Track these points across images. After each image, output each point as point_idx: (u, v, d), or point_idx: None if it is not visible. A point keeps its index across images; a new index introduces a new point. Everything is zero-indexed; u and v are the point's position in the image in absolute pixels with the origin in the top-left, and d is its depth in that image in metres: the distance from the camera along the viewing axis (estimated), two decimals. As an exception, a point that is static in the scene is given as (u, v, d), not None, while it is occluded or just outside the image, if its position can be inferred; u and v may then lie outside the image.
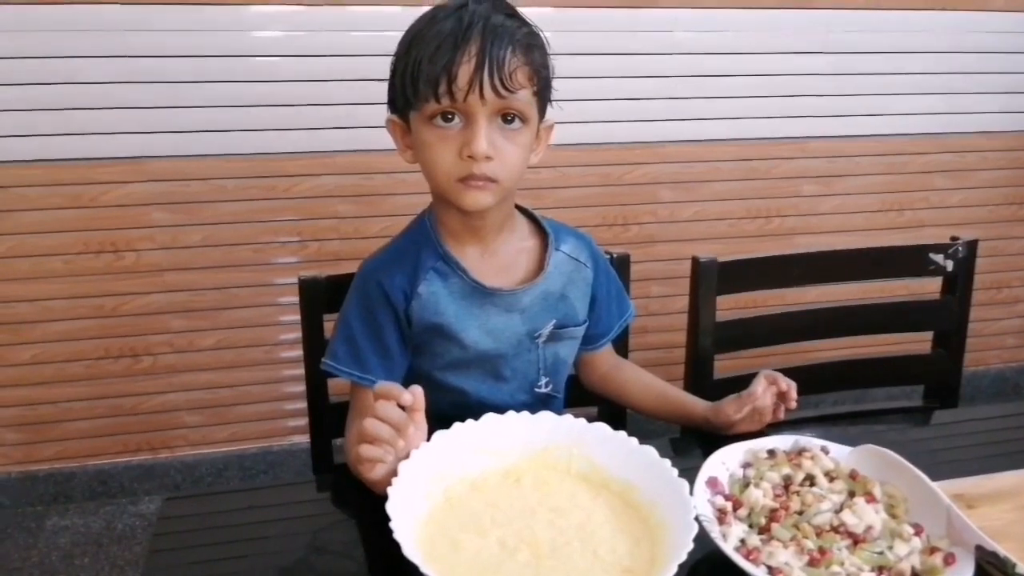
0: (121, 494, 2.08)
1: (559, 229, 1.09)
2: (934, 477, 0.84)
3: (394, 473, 0.79)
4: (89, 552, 1.91)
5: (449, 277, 1.00)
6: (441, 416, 0.90)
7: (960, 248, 1.35)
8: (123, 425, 2.03)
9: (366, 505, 0.84)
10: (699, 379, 1.30)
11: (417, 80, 0.89)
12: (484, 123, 0.90)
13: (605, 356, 1.19)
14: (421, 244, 1.02)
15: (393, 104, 0.97)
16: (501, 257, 1.04)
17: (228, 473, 2.12)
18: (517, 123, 0.92)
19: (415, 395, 0.81)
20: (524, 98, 0.91)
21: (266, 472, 2.14)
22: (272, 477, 2.14)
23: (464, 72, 0.87)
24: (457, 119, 0.90)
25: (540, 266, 1.04)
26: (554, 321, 1.05)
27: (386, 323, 1.01)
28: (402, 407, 0.81)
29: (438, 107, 0.89)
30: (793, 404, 1.05)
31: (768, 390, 1.04)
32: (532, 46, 0.92)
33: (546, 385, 1.07)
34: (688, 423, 1.11)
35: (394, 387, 0.81)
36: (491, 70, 0.87)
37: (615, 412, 1.28)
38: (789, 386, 1.04)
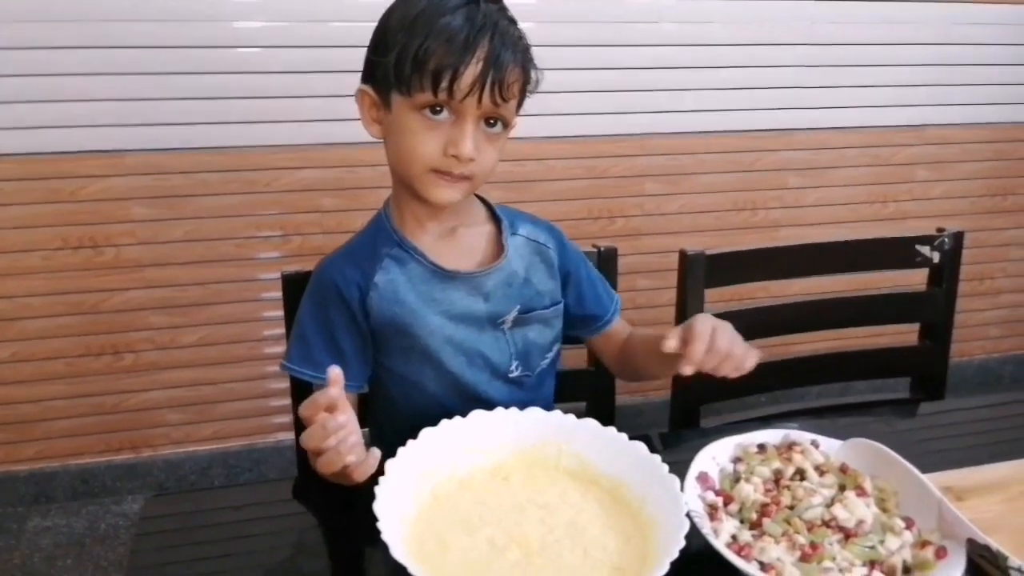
0: (104, 494, 2.05)
1: (514, 215, 1.09)
2: (922, 469, 0.84)
3: (364, 454, 0.78)
4: (72, 553, 1.89)
5: (407, 263, 0.99)
6: (416, 414, 0.89)
7: (946, 240, 1.35)
8: (105, 424, 2.00)
9: (353, 503, 0.82)
10: (687, 373, 1.30)
11: (421, 69, 0.87)
12: (472, 125, 0.90)
13: (614, 335, 1.14)
14: (376, 235, 1.02)
15: (371, 76, 0.94)
16: (460, 239, 1.03)
17: (213, 471, 2.10)
18: (499, 127, 0.94)
19: (332, 377, 0.76)
20: (512, 106, 0.93)
21: (251, 470, 2.12)
22: (257, 475, 2.12)
23: (469, 74, 0.87)
24: (446, 113, 0.90)
25: (499, 249, 1.04)
26: (518, 306, 1.04)
27: (339, 322, 0.99)
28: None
29: (432, 100, 0.89)
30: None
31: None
32: (528, 57, 0.93)
33: (517, 368, 1.06)
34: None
35: (316, 398, 0.76)
36: (494, 78, 0.88)
37: (604, 407, 1.28)
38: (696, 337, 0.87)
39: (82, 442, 2.00)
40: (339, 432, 0.75)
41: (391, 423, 1.08)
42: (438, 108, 0.90)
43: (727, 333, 0.88)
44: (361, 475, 0.79)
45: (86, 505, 2.03)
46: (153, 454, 2.06)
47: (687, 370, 0.86)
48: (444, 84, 0.87)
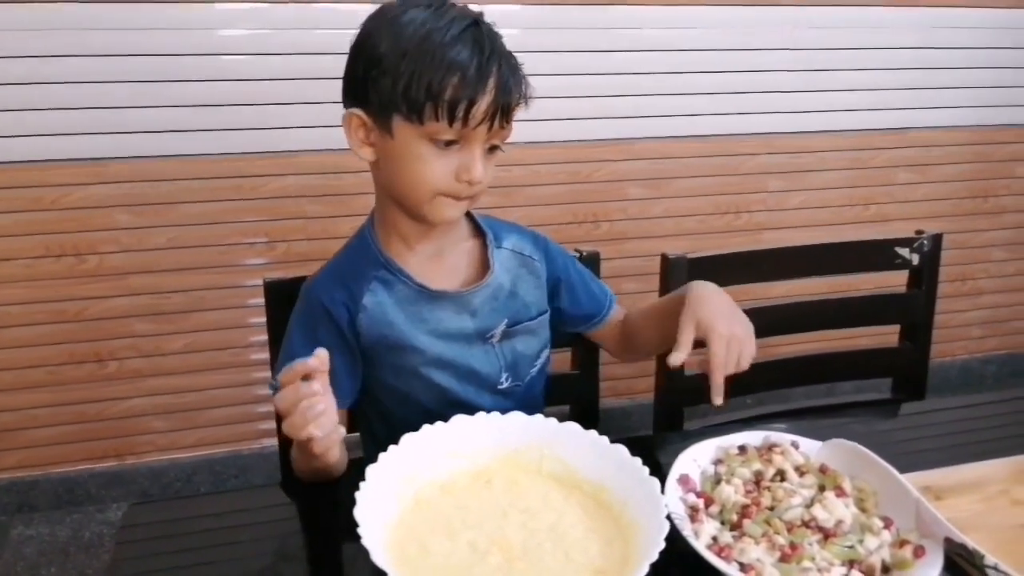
0: (88, 502, 2.04)
1: (498, 227, 1.09)
2: (902, 469, 0.85)
3: (329, 430, 0.80)
4: (56, 561, 1.87)
5: (394, 285, 1.00)
6: (408, 424, 0.89)
7: (925, 242, 1.36)
8: (89, 431, 1.99)
9: (336, 509, 0.82)
10: (670, 374, 1.30)
11: (435, 101, 0.86)
12: (481, 150, 0.91)
13: (613, 322, 1.16)
14: (362, 255, 1.02)
15: (363, 99, 0.92)
16: (446, 258, 1.03)
17: (197, 478, 2.09)
18: (498, 147, 0.95)
19: (317, 354, 0.78)
20: (511, 125, 0.94)
21: (237, 476, 2.11)
22: (243, 481, 2.11)
23: (483, 104, 0.88)
24: (457, 140, 0.90)
25: (484, 265, 1.04)
26: (506, 320, 1.04)
27: (328, 341, 0.98)
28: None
29: (445, 130, 0.88)
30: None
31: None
32: (524, 77, 0.94)
33: (507, 380, 1.06)
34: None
35: (294, 365, 0.77)
36: (505, 107, 0.89)
37: (589, 410, 1.28)
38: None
39: (65, 450, 1.99)
40: (310, 398, 0.77)
41: (385, 429, 1.08)
42: (451, 138, 0.89)
43: (739, 339, 0.95)
44: (321, 449, 0.80)
45: (70, 513, 2.01)
46: (137, 461, 2.05)
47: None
48: (460, 115, 0.87)
